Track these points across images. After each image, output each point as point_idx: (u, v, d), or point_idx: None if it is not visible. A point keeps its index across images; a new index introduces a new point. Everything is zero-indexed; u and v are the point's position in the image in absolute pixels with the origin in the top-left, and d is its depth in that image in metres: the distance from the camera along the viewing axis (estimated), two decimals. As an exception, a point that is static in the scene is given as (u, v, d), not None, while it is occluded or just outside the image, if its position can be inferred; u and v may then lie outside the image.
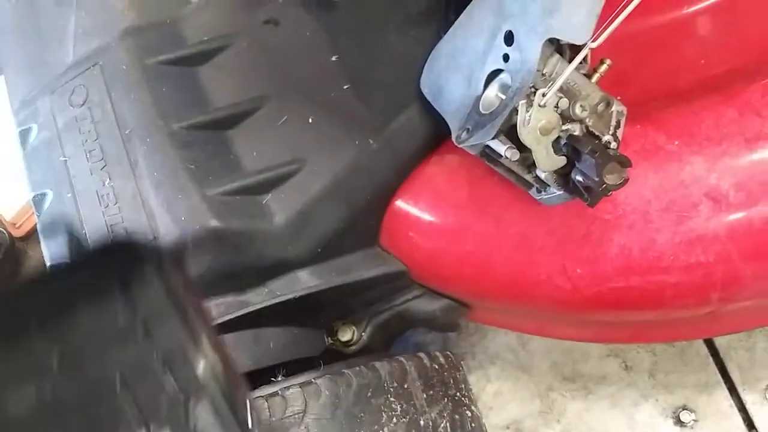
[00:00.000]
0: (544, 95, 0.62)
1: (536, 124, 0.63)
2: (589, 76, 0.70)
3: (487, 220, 0.81)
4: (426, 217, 0.84)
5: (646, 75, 0.80)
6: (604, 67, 0.71)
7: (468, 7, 0.75)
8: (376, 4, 0.87)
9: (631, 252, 0.75)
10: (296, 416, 0.73)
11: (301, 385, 0.75)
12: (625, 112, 0.70)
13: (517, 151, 0.66)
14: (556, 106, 0.64)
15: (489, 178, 0.79)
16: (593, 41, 0.63)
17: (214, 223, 0.78)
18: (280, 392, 0.74)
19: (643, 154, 0.75)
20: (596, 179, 0.64)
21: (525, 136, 0.63)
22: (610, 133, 0.69)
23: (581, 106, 0.67)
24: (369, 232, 0.88)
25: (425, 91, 0.80)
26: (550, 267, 0.79)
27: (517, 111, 0.64)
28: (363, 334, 0.95)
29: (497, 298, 0.87)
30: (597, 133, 0.69)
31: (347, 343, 0.94)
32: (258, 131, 0.84)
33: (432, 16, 0.83)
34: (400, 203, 0.86)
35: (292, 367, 0.82)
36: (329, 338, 0.93)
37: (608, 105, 0.70)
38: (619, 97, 0.71)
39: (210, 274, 0.79)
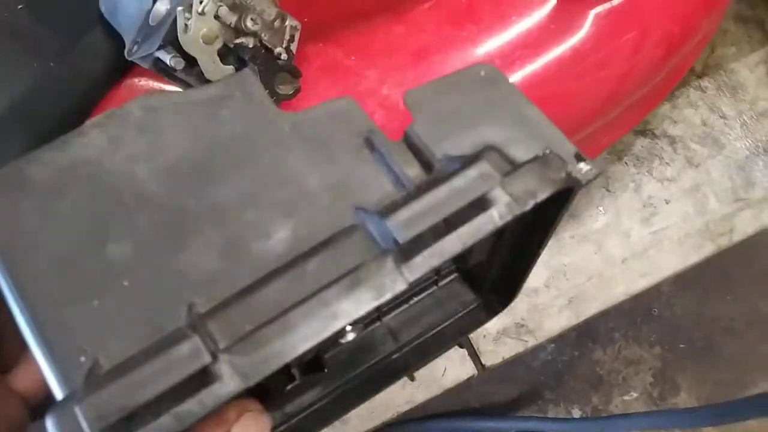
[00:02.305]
0: (201, 2, 0.63)
1: (198, 32, 0.64)
2: (265, -7, 0.73)
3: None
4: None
5: (328, -4, 0.83)
6: (278, -15, 0.73)
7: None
8: None
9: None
10: None
11: None
12: (299, 27, 0.73)
13: (182, 60, 0.66)
14: (217, 16, 0.65)
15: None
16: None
17: None
18: None
19: (324, 69, 0.79)
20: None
21: (187, 44, 0.64)
22: (284, 46, 0.72)
23: (252, 19, 0.68)
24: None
25: (103, 9, 0.77)
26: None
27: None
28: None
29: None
30: (270, 46, 0.71)
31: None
32: None
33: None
34: (93, 130, 0.83)
35: None
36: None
37: (283, 20, 0.72)
38: (306, 19, 0.74)
39: None
